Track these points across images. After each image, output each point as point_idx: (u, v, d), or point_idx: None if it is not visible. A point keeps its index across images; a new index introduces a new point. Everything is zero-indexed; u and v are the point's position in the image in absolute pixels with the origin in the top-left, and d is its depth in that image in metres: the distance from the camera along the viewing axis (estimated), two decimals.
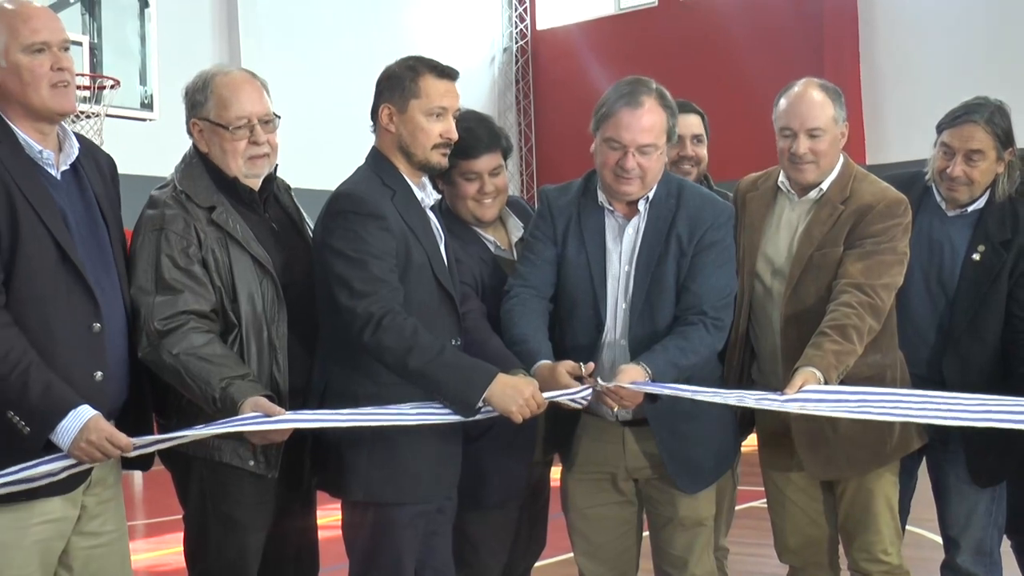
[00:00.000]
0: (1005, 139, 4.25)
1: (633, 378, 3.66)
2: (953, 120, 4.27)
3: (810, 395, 3.65)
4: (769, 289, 4.16)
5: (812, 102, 4.10)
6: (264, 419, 3.46)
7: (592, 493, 4.10)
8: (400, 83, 3.84)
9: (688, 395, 3.67)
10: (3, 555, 3.38)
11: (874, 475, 4.15)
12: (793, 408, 3.64)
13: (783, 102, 4.16)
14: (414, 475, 3.78)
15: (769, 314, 4.16)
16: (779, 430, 4.10)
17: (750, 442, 4.49)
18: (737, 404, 3.81)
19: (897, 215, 4.05)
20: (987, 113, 4.23)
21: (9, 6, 3.44)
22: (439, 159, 3.87)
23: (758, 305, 4.19)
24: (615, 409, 3.80)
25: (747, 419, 4.30)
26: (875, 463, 4.14)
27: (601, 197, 4.01)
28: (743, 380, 4.20)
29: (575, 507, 4.15)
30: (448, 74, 3.88)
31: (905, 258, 4.06)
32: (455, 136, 3.89)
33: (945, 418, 3.74)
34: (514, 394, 3.64)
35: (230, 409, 3.49)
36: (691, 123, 4.90)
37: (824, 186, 4.12)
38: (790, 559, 4.37)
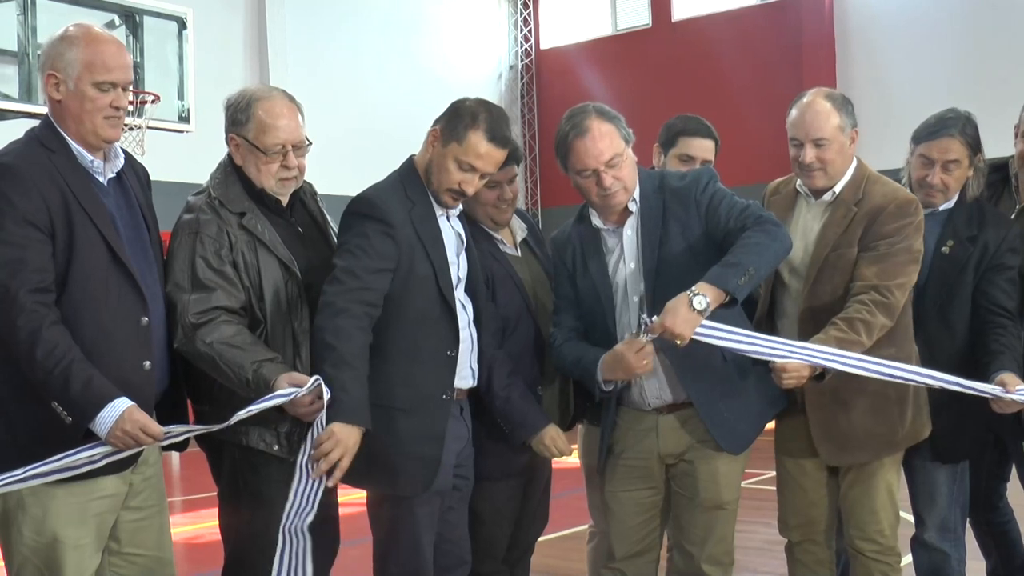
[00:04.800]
0: (975, 146, 4.26)
1: (676, 310, 3.55)
2: (931, 134, 4.25)
3: (805, 351, 3.71)
4: (787, 286, 4.13)
5: (817, 113, 4.03)
6: (294, 392, 3.46)
7: (626, 479, 4.08)
8: (456, 121, 3.80)
9: (729, 343, 3.67)
10: (67, 527, 3.42)
11: (879, 462, 4.12)
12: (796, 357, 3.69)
13: (793, 112, 4.10)
14: (409, 472, 3.77)
15: (787, 310, 4.13)
16: (795, 418, 4.12)
17: None
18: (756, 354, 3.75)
19: (909, 214, 3.99)
20: (960, 125, 4.23)
21: (96, 39, 3.47)
22: (448, 200, 3.85)
23: (778, 301, 4.16)
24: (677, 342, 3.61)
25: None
26: (885, 451, 4.11)
27: (595, 220, 4.00)
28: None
29: (609, 490, 4.14)
30: (497, 141, 3.80)
31: (919, 256, 4.00)
32: (470, 192, 3.85)
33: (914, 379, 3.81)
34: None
35: (263, 388, 3.50)
36: (705, 147, 4.75)
37: (837, 189, 4.08)
38: (789, 534, 4.35)
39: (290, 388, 3.47)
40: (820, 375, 3.80)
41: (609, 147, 3.82)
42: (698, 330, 3.59)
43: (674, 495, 4.08)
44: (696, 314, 3.55)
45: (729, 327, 3.69)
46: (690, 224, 3.89)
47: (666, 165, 4.74)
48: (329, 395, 3.47)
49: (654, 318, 3.61)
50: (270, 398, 3.45)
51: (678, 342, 3.57)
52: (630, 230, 3.95)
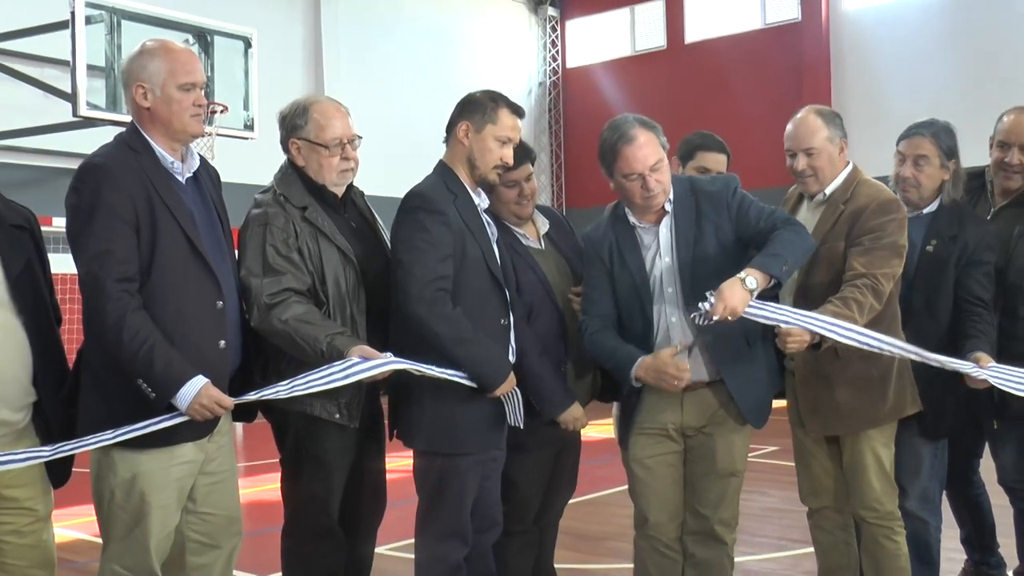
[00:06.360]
0: (948, 151, 4.29)
1: (733, 288, 3.57)
2: (906, 134, 4.34)
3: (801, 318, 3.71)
4: None
5: (807, 126, 4.08)
6: (362, 363, 3.51)
7: (652, 446, 4.05)
8: (482, 108, 3.89)
9: (771, 318, 3.69)
10: (153, 488, 3.47)
11: (866, 435, 4.10)
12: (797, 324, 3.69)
13: (789, 126, 4.15)
14: (468, 431, 3.83)
15: (783, 294, 4.11)
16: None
17: None
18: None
19: (890, 212, 3.99)
20: (933, 128, 4.31)
21: (171, 49, 3.54)
22: (494, 176, 3.93)
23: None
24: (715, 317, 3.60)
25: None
26: (868, 425, 4.09)
27: (632, 220, 3.99)
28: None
29: (636, 458, 4.09)
30: (519, 113, 3.96)
31: (903, 250, 3.99)
32: (511, 162, 3.95)
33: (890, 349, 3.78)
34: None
35: (336, 358, 3.54)
36: (720, 161, 4.74)
37: (828, 191, 4.10)
38: (808, 502, 4.36)
39: (357, 359, 3.51)
40: (817, 344, 3.80)
41: (653, 153, 3.84)
42: (748, 309, 3.62)
43: (689, 464, 4.07)
44: (748, 293, 3.59)
45: (770, 304, 3.73)
46: (722, 225, 3.91)
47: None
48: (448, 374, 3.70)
49: (711, 301, 3.59)
50: (344, 376, 3.49)
51: (730, 317, 3.57)
52: (666, 228, 3.95)
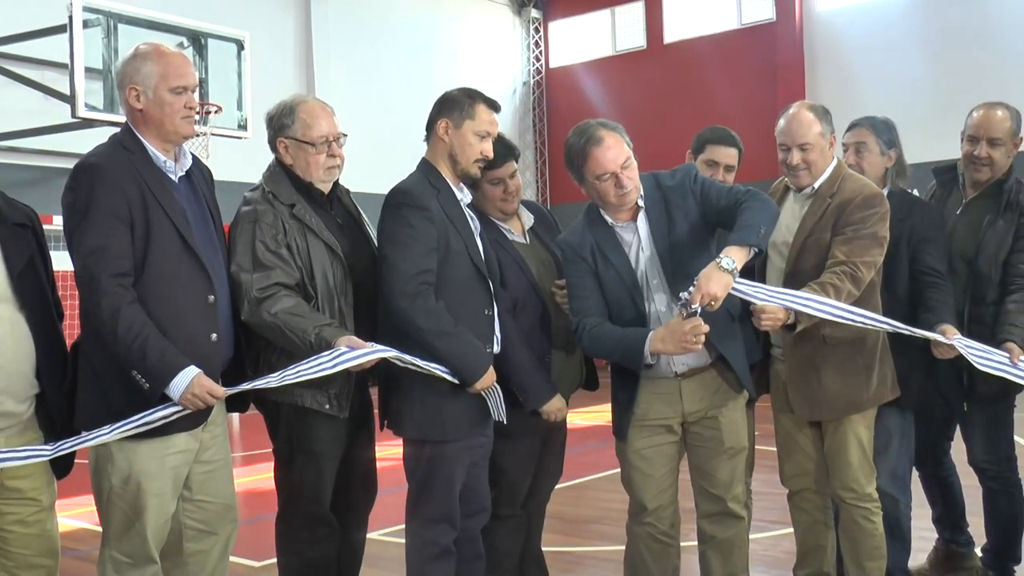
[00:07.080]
0: (887, 141, 4.43)
1: (709, 275, 3.53)
2: (848, 127, 4.53)
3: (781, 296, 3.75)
4: (773, 263, 4.17)
5: (802, 121, 4.08)
6: (350, 352, 3.49)
7: (650, 437, 4.01)
8: (459, 105, 3.88)
9: (759, 297, 3.69)
10: (149, 478, 3.46)
11: (848, 419, 4.11)
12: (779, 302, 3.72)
13: (782, 121, 4.14)
14: (456, 418, 3.82)
15: (772, 282, 4.13)
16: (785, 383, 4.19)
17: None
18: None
19: (874, 206, 3.99)
20: (872, 120, 4.49)
21: (164, 53, 3.53)
22: (476, 170, 3.91)
23: (768, 275, 4.19)
24: (703, 304, 3.56)
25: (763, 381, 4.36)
26: (852, 410, 4.11)
27: (609, 220, 3.96)
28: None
29: (635, 449, 4.03)
30: (495, 107, 3.95)
31: (884, 241, 3.99)
32: (491, 155, 3.93)
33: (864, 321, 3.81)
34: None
35: (324, 349, 3.53)
36: (730, 154, 4.65)
37: (816, 185, 4.10)
38: (789, 484, 4.36)
39: (345, 348, 3.50)
40: (792, 325, 3.80)
41: (621, 152, 3.82)
42: (735, 287, 3.59)
43: (696, 449, 4.04)
44: (726, 273, 3.54)
45: (757, 283, 3.73)
46: (690, 211, 3.89)
47: None
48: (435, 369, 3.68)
49: (690, 290, 3.56)
50: (332, 365, 3.47)
51: (713, 303, 3.53)
52: (643, 223, 3.93)
